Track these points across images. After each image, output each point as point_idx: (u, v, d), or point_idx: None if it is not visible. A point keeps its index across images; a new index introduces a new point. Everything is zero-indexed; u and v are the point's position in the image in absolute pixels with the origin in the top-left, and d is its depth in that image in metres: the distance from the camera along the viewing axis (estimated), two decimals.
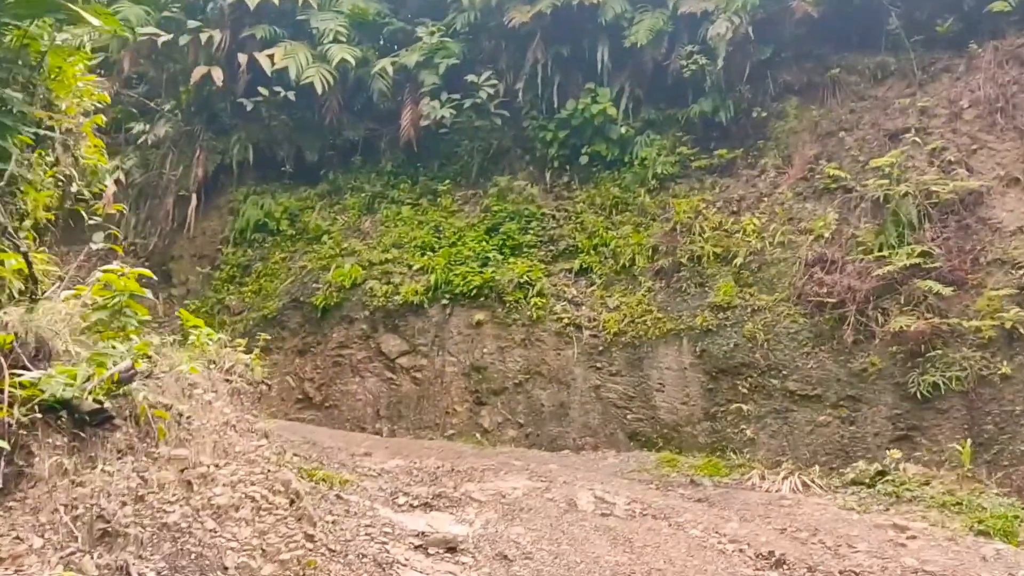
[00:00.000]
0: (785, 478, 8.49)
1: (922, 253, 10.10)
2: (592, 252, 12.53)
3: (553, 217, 13.32)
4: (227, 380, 4.68)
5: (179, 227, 15.14)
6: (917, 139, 10.94)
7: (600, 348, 11.43)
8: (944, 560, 6.09)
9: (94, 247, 6.81)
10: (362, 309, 12.57)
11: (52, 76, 5.94)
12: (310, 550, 3.93)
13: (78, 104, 6.28)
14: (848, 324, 10.19)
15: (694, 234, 11.95)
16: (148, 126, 16.47)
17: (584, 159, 13.70)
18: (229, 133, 15.41)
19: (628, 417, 10.96)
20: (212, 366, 4.82)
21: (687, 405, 10.74)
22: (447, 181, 14.50)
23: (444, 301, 12.28)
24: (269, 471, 4.10)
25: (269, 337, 12.80)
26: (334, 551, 4.23)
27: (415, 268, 12.80)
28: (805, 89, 12.75)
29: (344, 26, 14.91)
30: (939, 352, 9.62)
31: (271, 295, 13.47)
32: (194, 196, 14.81)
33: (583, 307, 11.91)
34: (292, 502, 4.13)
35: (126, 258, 16.28)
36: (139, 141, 16.78)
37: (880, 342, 10.01)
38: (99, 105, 6.91)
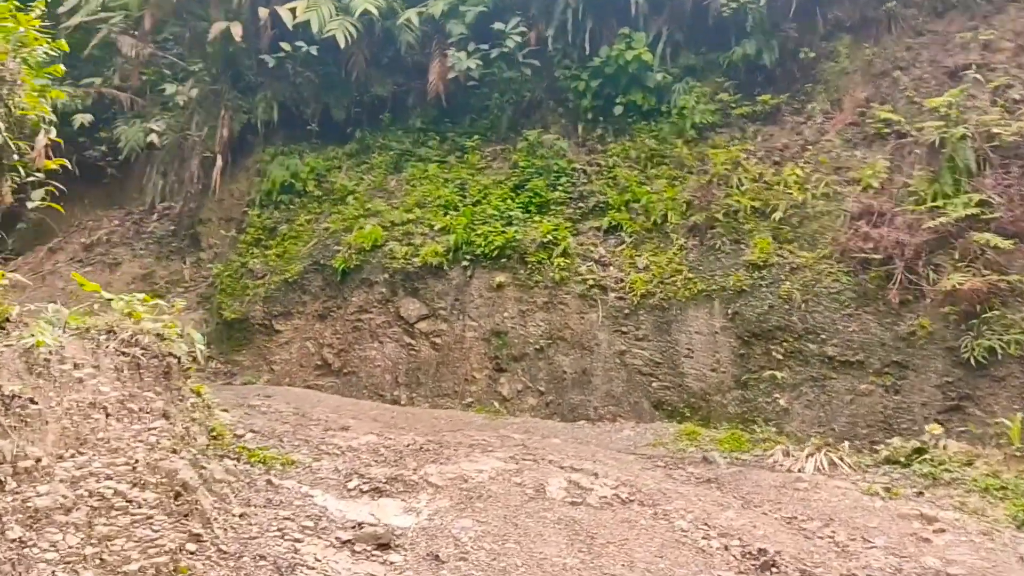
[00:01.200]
0: (810, 455, 7.66)
1: (980, 203, 9.02)
2: (623, 209, 11.74)
3: (584, 172, 12.54)
4: (123, 353, 4.18)
5: (206, 189, 14.86)
6: (979, 76, 9.79)
7: (626, 311, 10.69)
8: (973, 560, 5.28)
9: (30, 205, 6.34)
10: (382, 272, 12.08)
11: None
12: (191, 553, 3.44)
13: (14, 53, 5.82)
14: (895, 282, 9.22)
15: (731, 187, 11.05)
16: (178, 87, 16.20)
17: (618, 109, 12.85)
18: (255, 92, 15.01)
19: (653, 385, 10.24)
20: (107, 337, 4.33)
21: (716, 372, 9.96)
22: (476, 137, 13.83)
23: (465, 263, 11.69)
24: (142, 461, 3.59)
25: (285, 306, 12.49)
26: (226, 553, 3.72)
27: (436, 228, 12.22)
28: (858, 26, 11.62)
29: None
30: (997, 313, 8.60)
31: (294, 258, 13.10)
32: (219, 157, 14.47)
33: (610, 267, 11.17)
34: (177, 496, 3.64)
35: (159, 222, 16.22)
36: (170, 103, 16.57)
37: (931, 302, 9.03)
38: (53, 54, 6.47)
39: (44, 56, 6.31)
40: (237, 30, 13.69)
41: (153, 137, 16.60)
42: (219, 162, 14.49)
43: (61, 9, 14.91)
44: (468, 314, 11.44)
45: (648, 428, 9.37)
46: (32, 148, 6.03)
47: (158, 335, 4.52)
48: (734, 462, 7.89)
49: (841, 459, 7.63)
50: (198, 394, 5.13)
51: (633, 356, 10.45)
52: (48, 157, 6.48)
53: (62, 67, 6.68)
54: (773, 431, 9.11)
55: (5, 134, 5.38)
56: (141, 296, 5.47)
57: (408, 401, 11.23)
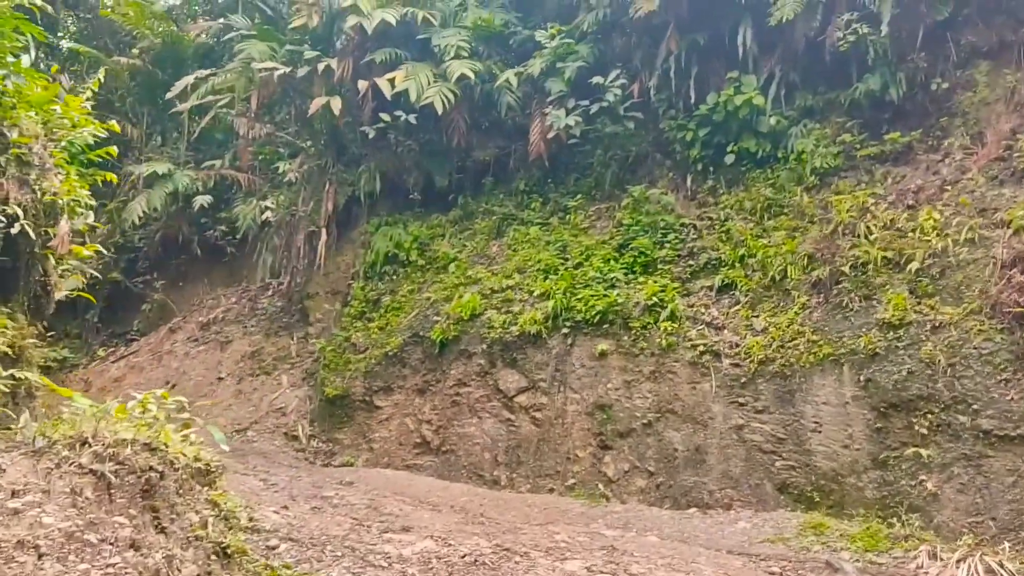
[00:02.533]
0: (961, 560, 6.33)
1: None
2: (737, 265, 10.72)
3: (693, 227, 11.63)
4: (90, 471, 3.62)
5: (313, 264, 14.82)
6: None
7: (743, 380, 9.60)
8: None
9: (57, 295, 6.07)
10: (480, 342, 11.47)
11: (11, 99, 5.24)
12: None
13: (49, 133, 5.61)
14: None
15: (859, 236, 9.86)
16: (288, 164, 16.44)
17: (730, 158, 11.92)
18: (359, 164, 14.97)
19: (776, 464, 9.05)
20: (73, 451, 3.80)
21: (849, 449, 8.67)
22: (579, 196, 13.18)
23: (565, 330, 10.92)
24: None
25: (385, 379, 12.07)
26: None
27: (536, 294, 11.54)
28: (996, 51, 10.31)
29: (467, 41, 14.04)
30: None
31: (395, 331, 12.71)
32: (324, 231, 14.43)
33: (724, 331, 10.13)
34: None
35: (270, 299, 16.31)
36: (282, 181, 16.82)
37: None
38: (102, 135, 6.27)
39: (92, 138, 6.10)
40: (336, 104, 13.68)
41: (268, 215, 16.87)
42: (324, 236, 14.44)
43: (170, 94, 15.47)
44: (569, 386, 10.62)
45: (768, 519, 8.18)
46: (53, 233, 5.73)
47: (146, 445, 3.99)
48: (868, 567, 6.64)
49: (1001, 564, 6.26)
50: (215, 505, 4.58)
51: (752, 431, 9.31)
52: (81, 243, 6.21)
53: (115, 149, 6.50)
54: (918, 523, 7.74)
55: (24, 221, 5.10)
56: (160, 392, 5.01)
57: (508, 482, 10.45)
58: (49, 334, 6.68)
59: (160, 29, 19.47)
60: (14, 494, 3.33)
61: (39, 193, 5.31)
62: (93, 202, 6.10)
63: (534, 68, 13.44)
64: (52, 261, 5.63)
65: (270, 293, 16.04)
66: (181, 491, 4.06)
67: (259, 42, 14.69)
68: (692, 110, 12.29)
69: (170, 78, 17.22)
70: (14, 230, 5.05)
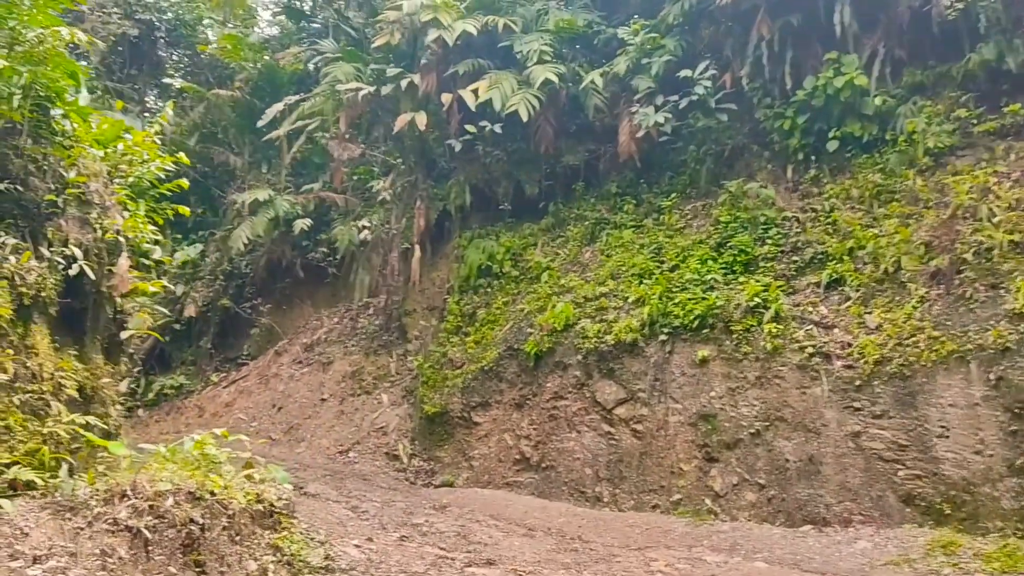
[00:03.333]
0: None
1: None
2: (846, 258, 9.98)
3: (796, 221, 10.94)
4: (126, 528, 3.43)
5: (408, 281, 14.78)
6: None
7: (858, 382, 8.87)
8: None
9: (124, 335, 6.01)
10: (575, 353, 11.10)
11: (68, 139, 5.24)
12: None
13: (114, 170, 5.59)
14: None
15: (981, 219, 8.98)
16: (382, 183, 16.52)
17: (833, 145, 11.16)
18: (448, 178, 14.87)
19: (900, 474, 8.29)
20: (108, 507, 3.62)
21: (981, 455, 7.85)
22: (673, 195, 12.65)
23: (663, 337, 10.42)
24: None
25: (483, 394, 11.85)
26: None
27: (631, 300, 11.08)
28: None
29: (550, 44, 13.74)
30: None
31: (490, 344, 12.48)
32: (417, 247, 14.37)
33: (834, 330, 9.42)
34: None
35: (369, 318, 16.36)
36: (377, 200, 16.91)
37: None
38: (170, 168, 6.25)
39: (161, 172, 6.08)
40: (422, 119, 13.61)
41: (364, 234, 17.01)
42: (417, 252, 14.38)
43: (260, 123, 15.76)
44: (670, 395, 10.11)
45: (892, 536, 7.46)
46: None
47: (190, 494, 3.80)
48: None
49: None
50: (278, 549, 4.36)
51: (871, 438, 8.58)
52: (152, 278, 6.18)
53: (186, 181, 6.48)
54: None
55: (83, 262, 5.07)
56: (220, 431, 4.89)
57: (611, 498, 10.02)
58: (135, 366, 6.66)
59: (257, 60, 20.00)
60: (36, 560, 3.20)
61: (100, 232, 5.28)
62: (160, 237, 6.08)
63: (619, 67, 13.00)
64: (118, 300, 5.59)
65: (370, 312, 16.12)
66: (237, 538, 3.87)
67: (345, 64, 14.81)
68: (789, 97, 11.59)
69: (269, 107, 17.63)
70: (73, 271, 5.02)
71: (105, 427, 5.35)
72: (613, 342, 10.69)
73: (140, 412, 17.06)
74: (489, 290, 13.66)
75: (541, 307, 12.15)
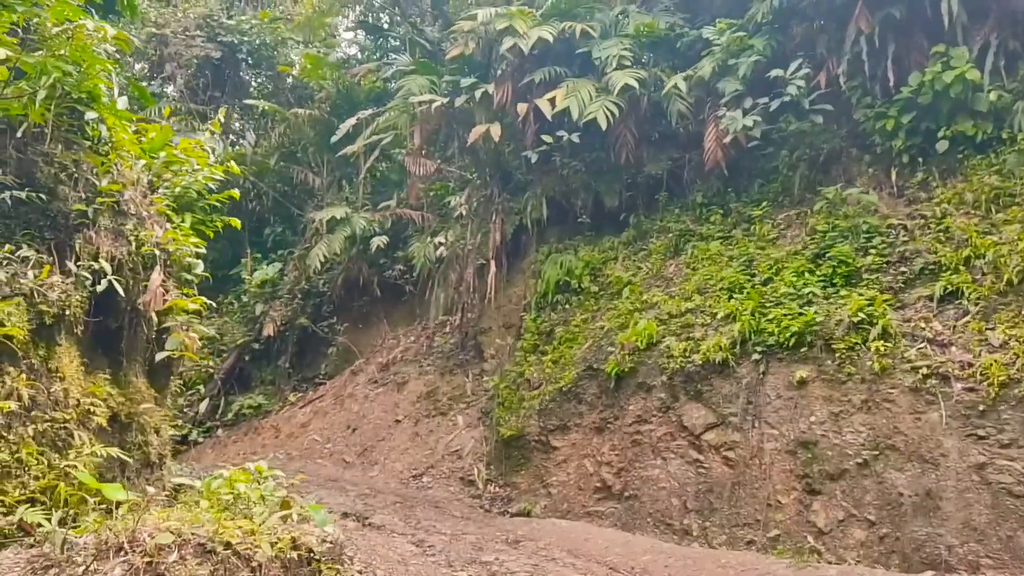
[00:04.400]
0: None
1: None
2: (961, 269, 8.99)
3: (903, 228, 9.98)
4: None
5: (484, 298, 14.27)
6: None
7: (981, 407, 7.88)
8: None
9: (159, 356, 5.56)
10: (659, 374, 10.35)
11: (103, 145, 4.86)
12: None
13: (157, 180, 5.19)
14: None
15: None
16: (458, 198, 16.13)
17: (943, 145, 10.18)
18: (525, 191, 14.34)
19: None
20: (106, 558, 3.08)
21: None
22: (764, 204, 11.80)
23: (755, 356, 9.58)
24: None
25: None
26: None
27: (719, 317, 10.28)
28: None
29: (629, 49, 13.09)
30: None
31: (568, 364, 11.83)
32: (492, 263, 13.86)
33: (951, 348, 8.45)
34: None
35: (445, 336, 15.91)
36: (453, 215, 16.53)
37: None
38: (220, 177, 5.84)
39: (211, 182, 5.68)
40: (496, 130, 13.12)
41: (441, 251, 16.62)
42: (492, 268, 13.87)
43: (334, 138, 15.55)
44: (765, 420, 9.26)
45: None
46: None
47: (200, 546, 3.25)
48: None
49: None
50: None
51: (998, 470, 7.58)
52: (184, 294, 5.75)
53: (236, 191, 6.08)
54: None
55: (113, 277, 4.66)
56: (256, 464, 4.37)
57: (700, 532, 9.21)
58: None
59: (336, 79, 19.93)
60: None
61: (135, 244, 4.88)
62: (203, 250, 5.65)
63: (704, 70, 12.27)
64: (155, 318, 5.17)
65: (446, 331, 15.67)
66: None
67: (419, 76, 14.47)
68: (891, 95, 10.66)
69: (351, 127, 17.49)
70: (100, 287, 4.61)
71: (143, 455, 4.91)
72: (701, 362, 9.90)
73: (219, 432, 17.01)
74: (567, 307, 13.04)
75: (622, 324, 11.44)
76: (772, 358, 9.46)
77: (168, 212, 5.42)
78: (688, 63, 12.98)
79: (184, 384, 18.07)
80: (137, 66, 21.77)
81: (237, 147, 21.25)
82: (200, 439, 16.80)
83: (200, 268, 5.85)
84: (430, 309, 15.68)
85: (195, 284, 5.88)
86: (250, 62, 21.77)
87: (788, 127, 11.65)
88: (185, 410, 17.12)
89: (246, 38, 21.24)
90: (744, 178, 12.48)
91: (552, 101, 12.89)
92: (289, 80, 22.32)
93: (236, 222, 6.21)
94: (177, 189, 5.50)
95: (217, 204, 5.96)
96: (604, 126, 12.41)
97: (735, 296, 10.38)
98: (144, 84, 22.07)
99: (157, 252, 5.09)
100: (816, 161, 11.64)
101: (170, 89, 21.54)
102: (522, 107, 13.24)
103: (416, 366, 14.88)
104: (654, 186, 13.44)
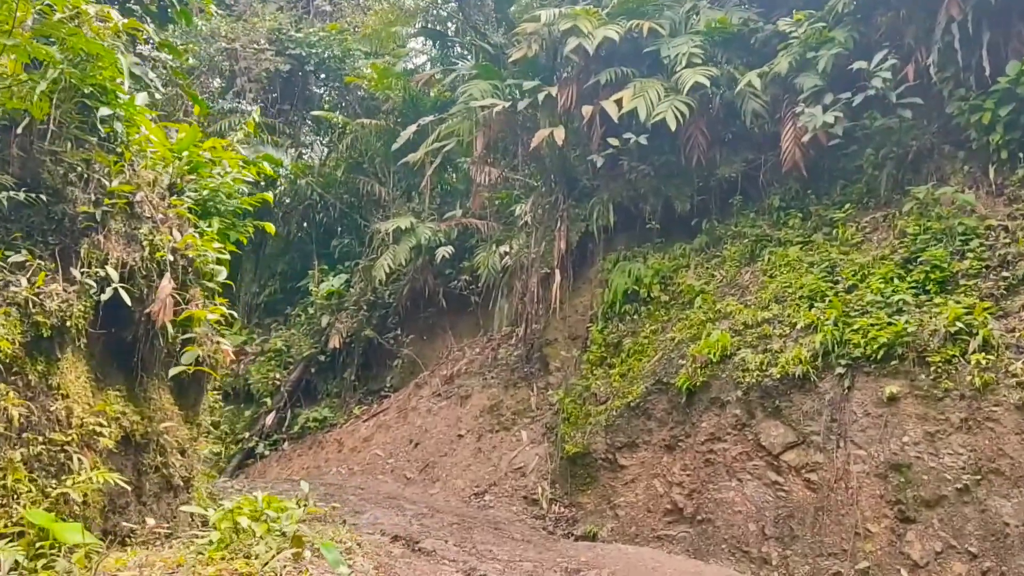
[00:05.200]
0: None
1: None
2: None
3: (1004, 230, 9.11)
4: None
5: (548, 308, 13.75)
6: None
7: None
8: None
9: (172, 371, 5.15)
10: (733, 388, 9.66)
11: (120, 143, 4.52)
12: None
13: (181, 182, 4.84)
14: None
15: None
16: (523, 206, 15.67)
17: None
18: (591, 197, 13.78)
19: None
20: None
21: None
22: (847, 206, 11.01)
23: (839, 369, 8.83)
24: None
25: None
26: None
27: (799, 327, 9.55)
28: None
29: (700, 47, 12.45)
30: None
31: (637, 377, 11.23)
32: (557, 272, 13.33)
33: None
34: None
35: (509, 348, 15.43)
36: (521, 223, 16.07)
37: None
38: (251, 179, 5.47)
39: (244, 184, 5.32)
40: (560, 134, 12.63)
41: (506, 260, 16.18)
42: (557, 277, 13.34)
43: (395, 145, 15.27)
44: (851, 440, 8.49)
45: None
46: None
47: None
48: None
49: None
50: None
51: None
52: (194, 304, 5.33)
53: (270, 196, 5.73)
54: None
55: (120, 285, 4.30)
56: (262, 494, 3.93)
57: (780, 561, 8.49)
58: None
59: (403, 89, 19.72)
60: None
61: (149, 250, 4.52)
62: (226, 255, 5.26)
63: (780, 65, 11.55)
64: (170, 329, 4.78)
65: (512, 342, 15.19)
66: None
67: (481, 81, 14.09)
68: (987, 86, 9.79)
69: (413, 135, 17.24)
70: (105, 296, 4.24)
71: (162, 479, 4.53)
72: (779, 376, 9.19)
73: (285, 445, 16.87)
74: (636, 317, 12.43)
75: (694, 335, 10.78)
76: (858, 372, 8.69)
77: (190, 216, 5.06)
78: (763, 60, 12.27)
79: (252, 397, 18.07)
80: (215, 82, 22.04)
81: (305, 159, 21.21)
82: (266, 452, 16.68)
83: (223, 275, 5.46)
84: (494, 320, 15.23)
85: (218, 292, 5.51)
86: (319, 75, 21.78)
87: (873, 123, 10.85)
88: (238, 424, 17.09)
89: (314, 50, 21.26)
90: (825, 179, 11.70)
91: (619, 102, 12.34)
92: (360, 93, 22.27)
93: (270, 227, 5.84)
94: (205, 192, 5.16)
95: (250, 208, 5.60)
96: (673, 127, 11.80)
97: (816, 305, 9.63)
98: (209, 98, 22.35)
99: (171, 257, 4.71)
100: (904, 159, 10.80)
101: (243, 103, 21.73)
102: (587, 109, 12.72)
103: (480, 379, 14.44)
104: (728, 189, 12.74)
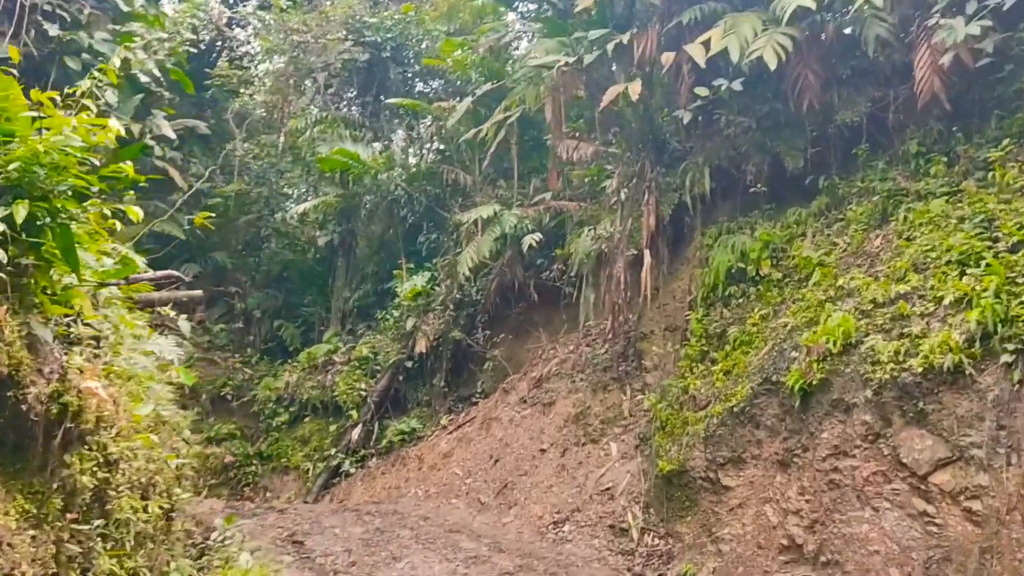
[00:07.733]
0: None
1: None
2: None
3: None
4: None
5: (638, 296, 11.72)
6: None
7: None
8: None
9: None
10: (860, 387, 7.40)
11: None
12: None
13: None
14: None
15: None
16: (612, 180, 13.68)
17: None
18: (682, 161, 11.66)
19: None
20: None
21: None
22: (1006, 143, 8.44)
23: (1006, 357, 6.45)
24: None
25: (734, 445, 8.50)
26: None
27: (947, 302, 7.19)
28: None
29: None
30: None
31: (742, 375, 9.10)
32: (647, 252, 11.29)
33: None
34: None
35: (598, 344, 13.44)
36: (612, 201, 14.07)
37: None
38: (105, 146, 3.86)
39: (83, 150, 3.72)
40: (635, 88, 10.61)
41: (596, 244, 14.22)
42: (647, 258, 11.31)
43: (451, 121, 13.60)
44: None
45: None
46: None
47: None
48: None
49: None
50: None
51: None
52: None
53: (129, 165, 4.08)
54: None
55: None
56: None
57: None
58: None
59: (479, 63, 18.06)
60: None
61: None
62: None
63: None
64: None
65: (604, 338, 13.22)
66: None
67: (548, 40, 12.23)
68: None
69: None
70: None
71: None
72: (921, 368, 6.88)
73: (372, 462, 15.57)
74: (742, 300, 10.28)
75: (811, 320, 8.56)
76: None
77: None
78: None
79: (339, 409, 16.86)
80: (306, 83, 21.14)
81: (391, 152, 19.88)
82: (352, 470, 15.42)
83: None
84: (580, 313, 13.31)
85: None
86: (397, 59, 20.45)
87: None
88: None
89: (390, 35, 19.92)
90: (974, 112, 9.20)
91: (705, 44, 10.25)
92: (443, 79, 20.84)
93: (133, 211, 4.15)
94: (11, 166, 3.57)
95: (105, 186, 3.95)
96: (773, 65, 9.63)
97: (970, 271, 7.23)
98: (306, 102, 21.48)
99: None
100: None
101: (319, 97, 20.74)
102: (667, 56, 10.65)
103: (567, 381, 12.56)
104: (850, 138, 10.37)
